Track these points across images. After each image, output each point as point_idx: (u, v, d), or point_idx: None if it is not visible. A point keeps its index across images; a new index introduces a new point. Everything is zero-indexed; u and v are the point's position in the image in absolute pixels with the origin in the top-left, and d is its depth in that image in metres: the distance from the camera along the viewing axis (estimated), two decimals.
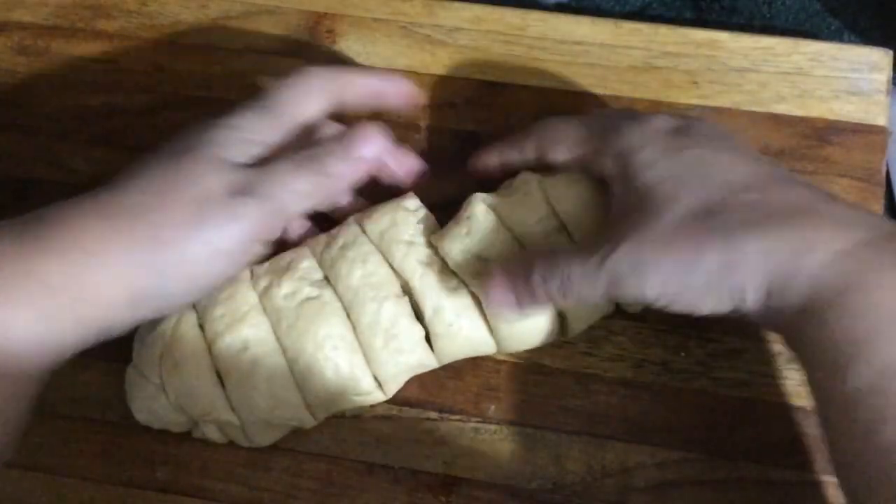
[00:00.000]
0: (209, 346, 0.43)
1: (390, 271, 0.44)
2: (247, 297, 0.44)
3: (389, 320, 0.43)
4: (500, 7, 0.53)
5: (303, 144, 0.42)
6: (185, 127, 0.42)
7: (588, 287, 0.39)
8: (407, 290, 0.44)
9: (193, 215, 0.38)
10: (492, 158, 0.47)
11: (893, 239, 0.36)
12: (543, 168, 0.45)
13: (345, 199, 0.47)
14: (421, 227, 0.45)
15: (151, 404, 0.44)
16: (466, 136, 0.51)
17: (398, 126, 0.51)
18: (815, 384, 0.37)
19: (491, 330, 0.44)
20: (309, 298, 0.44)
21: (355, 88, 0.44)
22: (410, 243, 0.44)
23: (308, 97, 0.43)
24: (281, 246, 0.46)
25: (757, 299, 0.37)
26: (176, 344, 0.43)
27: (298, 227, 0.47)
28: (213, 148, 0.40)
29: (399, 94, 0.46)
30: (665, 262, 0.37)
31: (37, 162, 0.52)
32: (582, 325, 0.45)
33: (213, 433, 0.45)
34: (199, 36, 0.53)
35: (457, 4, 0.53)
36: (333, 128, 0.45)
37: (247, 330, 0.43)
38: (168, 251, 0.38)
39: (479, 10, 0.52)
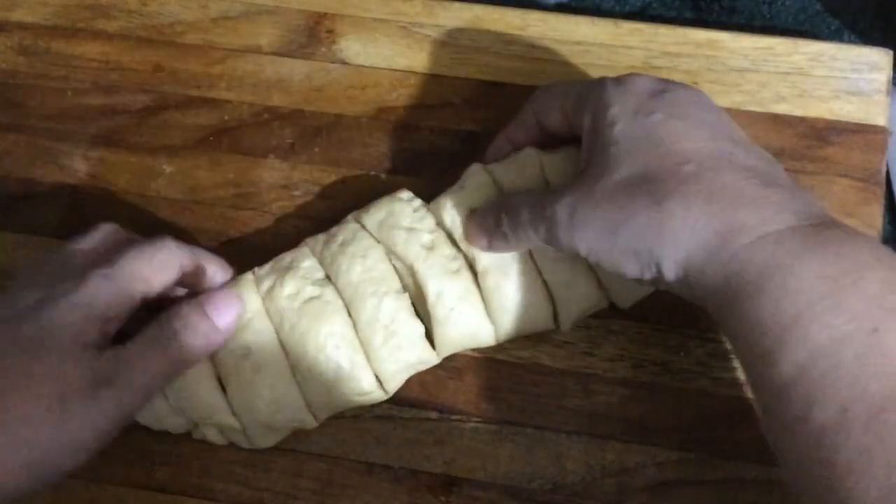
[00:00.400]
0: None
1: (390, 267, 0.44)
2: (250, 302, 0.44)
3: (389, 316, 0.43)
4: (500, 7, 0.53)
5: (155, 309, 0.42)
6: (32, 294, 0.40)
7: (531, 230, 0.41)
8: (407, 285, 0.44)
9: (54, 412, 0.37)
10: (503, 145, 0.47)
11: (821, 225, 0.36)
12: (551, 141, 0.46)
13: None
14: (418, 214, 0.45)
15: (151, 405, 0.44)
16: (466, 136, 0.51)
17: (398, 126, 0.51)
18: (747, 369, 0.38)
19: (486, 307, 0.44)
20: (311, 298, 0.44)
21: (201, 271, 0.44)
22: (410, 229, 0.44)
23: (159, 271, 0.42)
24: None
25: (675, 272, 0.37)
26: None
27: None
28: (70, 334, 0.39)
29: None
30: (596, 219, 0.38)
31: (37, 162, 0.52)
32: (571, 314, 0.45)
33: (213, 436, 0.45)
34: (199, 36, 0.53)
35: (457, 4, 0.53)
36: (173, 263, 0.43)
37: (249, 336, 0.43)
38: (25, 451, 0.37)
39: (479, 10, 0.52)
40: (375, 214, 0.45)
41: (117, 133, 0.52)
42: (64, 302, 0.39)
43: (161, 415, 0.44)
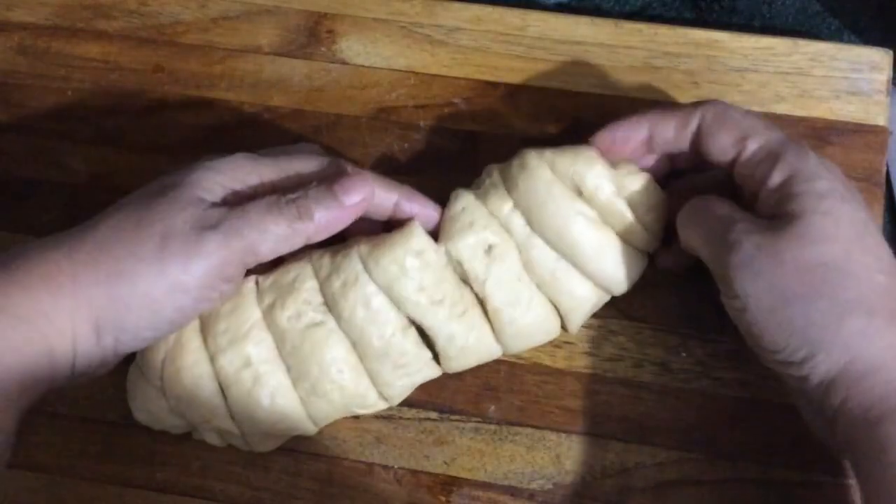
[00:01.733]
0: (211, 359, 0.43)
1: (395, 309, 0.43)
2: (250, 312, 0.43)
3: (398, 352, 0.43)
4: (500, 7, 0.53)
5: (288, 187, 0.42)
6: (174, 167, 0.42)
7: (702, 247, 0.41)
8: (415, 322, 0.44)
9: (156, 249, 0.38)
10: (638, 131, 0.44)
11: None
12: (695, 162, 0.44)
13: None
14: (429, 269, 0.43)
15: (151, 406, 0.44)
16: (466, 136, 0.51)
17: (398, 126, 0.51)
18: (862, 473, 0.38)
19: (497, 336, 0.44)
20: (313, 324, 0.43)
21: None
22: (422, 289, 0.43)
23: (306, 160, 0.43)
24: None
25: (828, 370, 0.38)
26: (178, 350, 0.43)
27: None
28: (189, 188, 0.40)
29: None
30: (775, 276, 0.38)
31: (37, 162, 0.52)
32: (578, 318, 0.45)
33: (212, 438, 0.45)
34: (199, 36, 0.53)
35: (457, 4, 0.53)
36: (318, 163, 0.44)
37: (250, 347, 0.43)
38: (128, 284, 0.38)
39: (479, 10, 0.52)
40: (387, 269, 0.42)
41: (117, 133, 0.52)
42: (200, 166, 0.41)
43: (160, 415, 0.44)
